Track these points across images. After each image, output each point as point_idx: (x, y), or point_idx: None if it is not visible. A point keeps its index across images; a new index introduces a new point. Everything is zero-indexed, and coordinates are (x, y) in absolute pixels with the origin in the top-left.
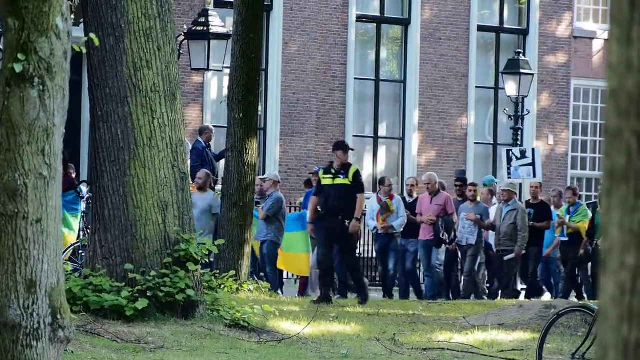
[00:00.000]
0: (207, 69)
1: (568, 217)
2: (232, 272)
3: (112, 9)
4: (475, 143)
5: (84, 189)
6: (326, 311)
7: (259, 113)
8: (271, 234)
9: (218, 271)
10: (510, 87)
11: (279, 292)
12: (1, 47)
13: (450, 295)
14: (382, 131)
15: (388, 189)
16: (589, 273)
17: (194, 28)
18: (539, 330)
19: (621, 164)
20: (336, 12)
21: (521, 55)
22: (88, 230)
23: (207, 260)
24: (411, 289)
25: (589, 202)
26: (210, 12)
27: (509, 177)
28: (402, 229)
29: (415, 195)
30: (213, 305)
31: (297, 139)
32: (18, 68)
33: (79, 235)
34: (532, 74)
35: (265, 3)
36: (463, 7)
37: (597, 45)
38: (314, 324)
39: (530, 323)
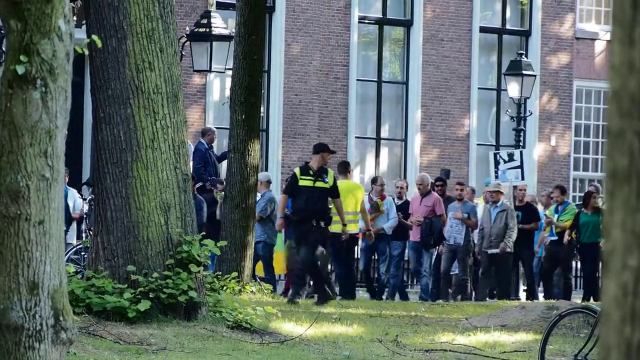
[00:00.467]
0: (210, 71)
1: (556, 216)
2: (235, 274)
3: (114, 11)
4: (478, 144)
5: (86, 190)
6: (329, 312)
7: (261, 114)
8: (265, 234)
9: (220, 273)
10: (513, 89)
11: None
12: (3, 49)
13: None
14: (385, 132)
15: (380, 189)
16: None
17: (196, 29)
18: (542, 331)
19: (623, 165)
20: (338, 13)
21: (523, 56)
22: (90, 232)
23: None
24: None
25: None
26: (212, 14)
27: (496, 179)
28: (391, 231)
29: (404, 198)
30: (215, 306)
31: (299, 141)
32: (20, 70)
33: (81, 237)
34: (535, 75)
35: (268, 4)
36: (465, 9)
37: (599, 46)
38: (317, 326)
39: (533, 324)
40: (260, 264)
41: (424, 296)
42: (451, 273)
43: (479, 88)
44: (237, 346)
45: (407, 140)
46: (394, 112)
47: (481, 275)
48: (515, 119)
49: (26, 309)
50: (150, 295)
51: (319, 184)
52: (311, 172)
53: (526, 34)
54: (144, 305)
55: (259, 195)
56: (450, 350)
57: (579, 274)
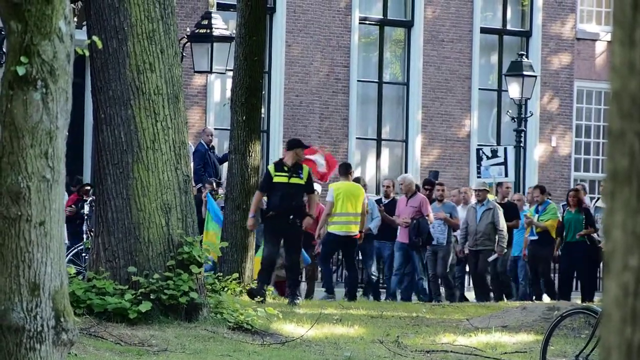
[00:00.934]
0: (210, 72)
1: (536, 216)
2: (236, 275)
3: (114, 12)
4: (478, 145)
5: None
6: (330, 314)
7: (262, 115)
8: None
9: (221, 274)
10: (513, 89)
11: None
12: (4, 50)
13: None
14: (385, 133)
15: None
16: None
17: (196, 31)
18: (543, 332)
19: (624, 166)
20: (339, 14)
21: (524, 57)
22: (91, 233)
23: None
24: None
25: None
26: (213, 15)
27: (478, 177)
28: (377, 230)
29: (391, 196)
30: (216, 307)
31: None
32: (21, 71)
33: (82, 238)
34: (535, 76)
35: (268, 5)
36: (466, 9)
37: (600, 47)
38: (318, 327)
39: (534, 325)
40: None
41: (423, 297)
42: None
43: (479, 89)
44: (238, 347)
45: (407, 141)
46: (394, 113)
47: (472, 274)
48: (516, 119)
49: (27, 310)
50: (151, 297)
51: (294, 180)
52: (286, 169)
53: (527, 35)
54: (145, 307)
55: None
56: (451, 351)
57: (575, 275)
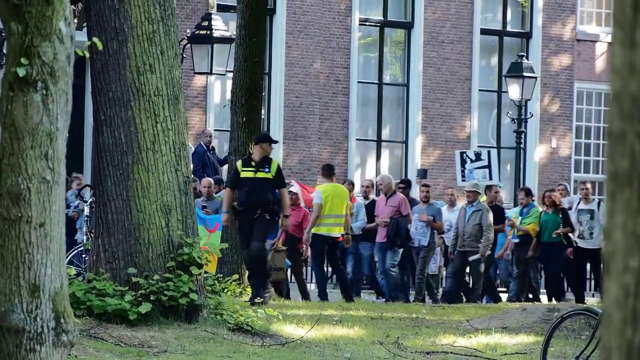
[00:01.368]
0: (210, 73)
1: (520, 218)
2: (236, 276)
3: (115, 13)
4: (478, 146)
5: (87, 193)
6: (330, 315)
7: (262, 117)
8: None
9: (221, 275)
10: (513, 90)
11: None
12: (4, 52)
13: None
14: (385, 134)
15: (349, 189)
16: (540, 273)
17: (197, 32)
18: (543, 333)
19: (624, 167)
20: (339, 15)
21: (524, 58)
22: (91, 234)
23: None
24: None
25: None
26: (213, 16)
27: (462, 180)
28: (360, 231)
29: (371, 198)
30: (216, 309)
31: (300, 143)
32: (21, 72)
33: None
34: (535, 77)
35: (268, 7)
36: (466, 11)
37: (600, 48)
38: (318, 328)
39: (534, 326)
40: None
41: (380, 296)
42: (431, 273)
43: (479, 90)
44: (238, 348)
45: (408, 142)
46: (394, 114)
47: (452, 275)
48: (516, 121)
49: (27, 311)
50: (151, 298)
51: (260, 174)
52: (253, 163)
53: (527, 36)
54: (145, 308)
55: None
56: (451, 353)
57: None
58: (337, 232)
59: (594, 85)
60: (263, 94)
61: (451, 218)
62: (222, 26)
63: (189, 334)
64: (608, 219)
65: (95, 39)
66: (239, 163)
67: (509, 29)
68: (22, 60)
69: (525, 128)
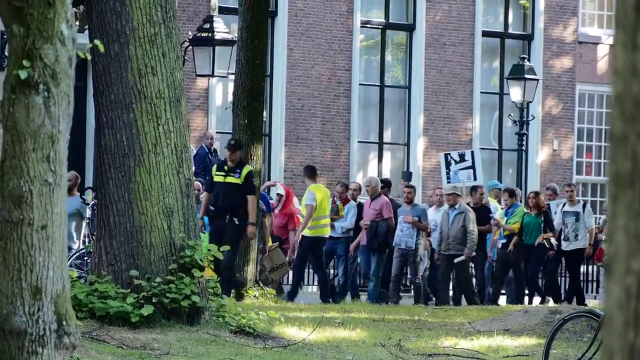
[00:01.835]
0: (212, 75)
1: (505, 218)
2: None
3: (116, 16)
4: (481, 148)
5: (89, 195)
6: (332, 317)
7: (264, 119)
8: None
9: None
10: (515, 93)
11: None
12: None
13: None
14: (387, 137)
15: (341, 190)
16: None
17: (198, 34)
18: (545, 335)
19: (626, 169)
20: (341, 18)
21: (526, 60)
22: (93, 237)
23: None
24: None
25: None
26: (214, 19)
27: (448, 182)
28: (343, 231)
29: (357, 200)
30: (218, 311)
31: (302, 145)
32: (23, 75)
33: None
34: (537, 79)
35: (270, 9)
36: (468, 13)
37: (602, 50)
38: (320, 330)
39: (536, 328)
40: None
41: (371, 300)
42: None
43: (481, 92)
44: (240, 351)
45: (409, 144)
46: (396, 117)
47: (440, 278)
48: (517, 123)
49: (29, 313)
50: (153, 300)
51: (230, 179)
52: (225, 168)
53: (529, 38)
54: (146, 310)
55: None
56: (453, 355)
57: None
58: (327, 232)
59: (596, 87)
60: (265, 96)
61: (437, 218)
62: (224, 28)
63: (191, 336)
64: (610, 221)
65: (97, 42)
66: (214, 167)
67: (510, 31)
68: (24, 62)
69: (527, 130)
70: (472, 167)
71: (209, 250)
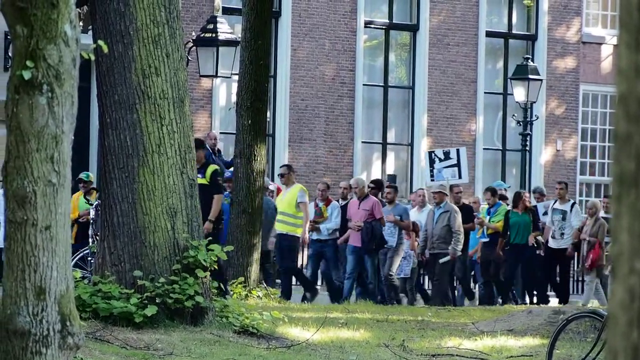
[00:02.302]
0: (216, 76)
1: (488, 217)
2: (241, 279)
3: (120, 16)
4: (484, 149)
5: (93, 195)
6: (335, 317)
7: (268, 119)
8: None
9: (227, 278)
10: (519, 93)
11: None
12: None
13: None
14: (391, 137)
15: (323, 188)
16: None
17: (202, 35)
18: (548, 336)
19: (630, 169)
20: (344, 18)
21: (530, 60)
22: (97, 237)
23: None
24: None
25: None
26: (218, 19)
27: (432, 180)
28: (329, 233)
29: (348, 199)
30: (222, 311)
31: (305, 146)
32: (27, 75)
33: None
34: (541, 80)
35: (274, 9)
36: (471, 13)
37: (606, 50)
38: (323, 330)
39: (540, 329)
40: None
41: (373, 302)
42: (404, 276)
43: (485, 92)
44: (243, 351)
45: (413, 144)
46: (400, 117)
47: (434, 280)
48: (521, 123)
49: (33, 314)
50: (157, 301)
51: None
52: None
53: (532, 39)
54: (150, 311)
55: None
56: (457, 355)
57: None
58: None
59: (600, 87)
60: (268, 96)
61: (420, 219)
62: (228, 29)
63: (194, 336)
64: (614, 221)
65: (100, 42)
66: None
67: (514, 31)
68: (28, 63)
69: (531, 130)
70: (458, 165)
71: (212, 250)
